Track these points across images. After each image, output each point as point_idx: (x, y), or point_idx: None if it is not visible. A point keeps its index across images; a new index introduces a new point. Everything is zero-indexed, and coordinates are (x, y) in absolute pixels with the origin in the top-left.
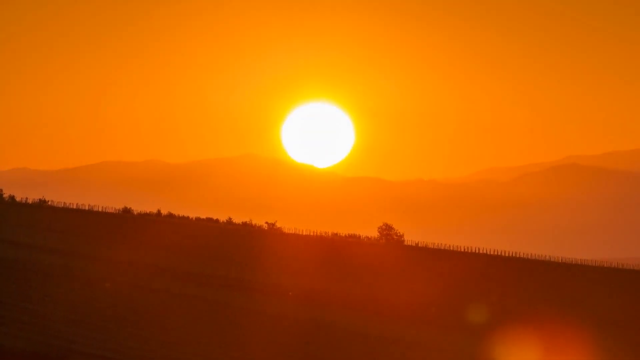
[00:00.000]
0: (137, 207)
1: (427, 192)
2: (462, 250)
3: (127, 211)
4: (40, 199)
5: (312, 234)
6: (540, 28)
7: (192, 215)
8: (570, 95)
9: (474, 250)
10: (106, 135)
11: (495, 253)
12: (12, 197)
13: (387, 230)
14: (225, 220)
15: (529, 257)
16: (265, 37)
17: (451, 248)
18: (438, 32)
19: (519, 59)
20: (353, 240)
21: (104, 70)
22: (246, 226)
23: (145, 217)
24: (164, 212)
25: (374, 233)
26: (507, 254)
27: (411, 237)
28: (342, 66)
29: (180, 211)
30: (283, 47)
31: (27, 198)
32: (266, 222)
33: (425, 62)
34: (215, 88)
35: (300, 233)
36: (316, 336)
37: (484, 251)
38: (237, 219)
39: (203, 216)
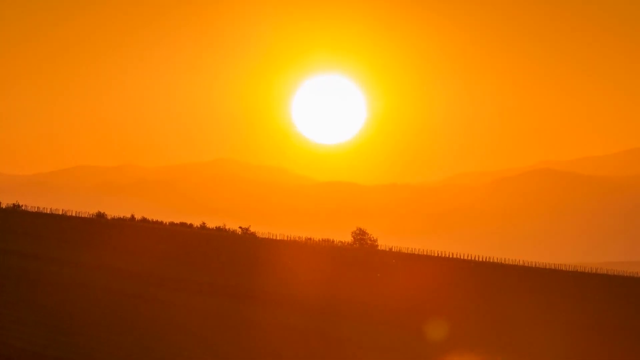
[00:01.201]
0: (111, 212)
1: (401, 197)
2: (436, 255)
3: (100, 216)
4: (14, 204)
5: (285, 238)
6: (514, 36)
7: (166, 220)
8: (545, 101)
9: (446, 255)
10: (80, 140)
11: (469, 258)
12: None
13: (360, 235)
14: (199, 225)
15: (503, 261)
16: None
17: (425, 253)
18: (418, 37)
19: (494, 66)
20: (326, 244)
21: (78, 77)
22: (220, 231)
23: (119, 221)
24: (137, 216)
25: (348, 238)
26: (481, 259)
27: (386, 241)
28: (303, 67)
29: (154, 216)
30: (259, 52)
31: (0, 203)
32: (240, 227)
33: (399, 67)
34: (188, 93)
35: (274, 238)
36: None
37: (458, 256)
38: (211, 224)
39: (177, 221)
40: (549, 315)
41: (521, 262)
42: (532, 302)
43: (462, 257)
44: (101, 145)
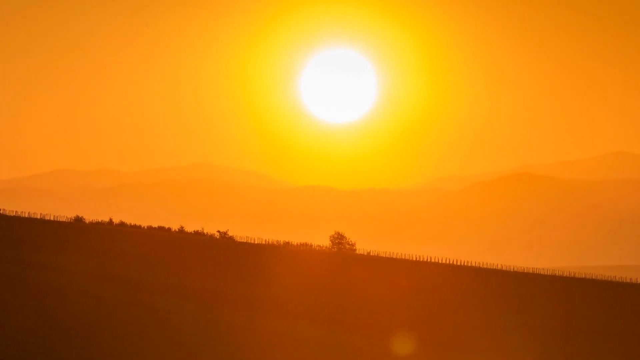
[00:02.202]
0: (90, 216)
1: (379, 202)
2: (413, 259)
3: (79, 220)
4: None
5: (264, 242)
6: (493, 42)
7: (144, 224)
8: (523, 106)
9: (425, 259)
10: (59, 144)
11: (447, 262)
12: None
13: (339, 239)
14: (177, 229)
15: (481, 265)
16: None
17: (403, 257)
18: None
19: (473, 71)
20: (305, 249)
21: (55, 81)
22: (198, 235)
23: (97, 225)
24: (115, 220)
25: (326, 242)
26: (458, 263)
27: (364, 245)
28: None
29: (132, 220)
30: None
31: None
32: (218, 231)
33: (381, 69)
34: (167, 98)
35: (252, 242)
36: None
37: (436, 260)
38: (189, 228)
39: (155, 225)
40: (523, 318)
41: (500, 266)
42: (507, 305)
43: (440, 261)
44: (80, 149)
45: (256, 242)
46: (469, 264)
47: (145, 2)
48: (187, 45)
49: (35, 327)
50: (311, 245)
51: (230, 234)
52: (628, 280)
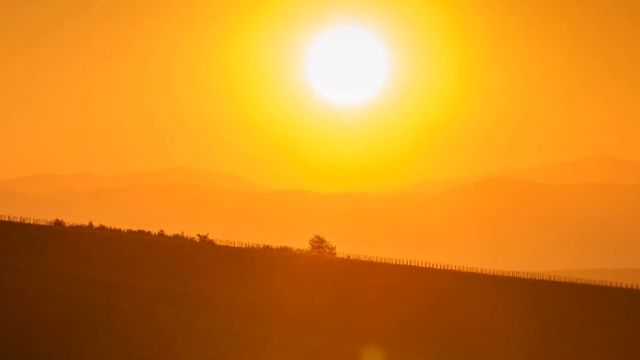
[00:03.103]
0: (69, 220)
1: (358, 205)
2: (393, 262)
3: (58, 223)
4: None
5: (243, 246)
6: (471, 44)
7: (124, 227)
8: (503, 110)
9: (405, 263)
10: (38, 148)
11: (427, 265)
12: None
13: (318, 242)
14: (157, 233)
15: (461, 269)
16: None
17: (383, 261)
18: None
19: (452, 73)
20: (286, 254)
21: (35, 85)
22: (178, 238)
23: (77, 229)
24: (95, 224)
25: (306, 245)
26: (437, 266)
27: (344, 249)
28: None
29: (112, 223)
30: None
31: None
32: (198, 235)
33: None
34: (146, 102)
35: (232, 245)
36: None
37: (416, 263)
38: (169, 232)
39: (135, 228)
40: (502, 322)
41: (479, 270)
42: (487, 308)
43: (420, 265)
44: (60, 153)
45: (236, 246)
46: (449, 268)
47: (123, 6)
48: (167, 46)
49: (14, 331)
50: (291, 249)
51: (210, 237)
52: (608, 284)
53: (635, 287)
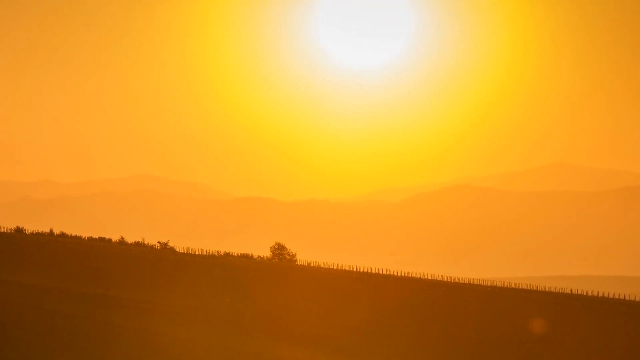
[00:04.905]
0: (30, 227)
1: (319, 213)
2: (354, 270)
3: (19, 231)
4: None
5: (204, 253)
6: (438, 55)
7: (85, 234)
8: (463, 117)
9: (365, 270)
10: None
11: (387, 273)
12: None
13: (279, 249)
14: (117, 240)
15: (422, 276)
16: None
17: (343, 268)
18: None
19: (410, 83)
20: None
21: None
22: (139, 246)
23: (37, 236)
24: (56, 231)
25: (267, 252)
26: (397, 273)
27: (305, 256)
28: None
29: (72, 231)
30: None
31: None
32: (159, 242)
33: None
34: (106, 109)
35: (193, 253)
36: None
37: (376, 271)
38: (130, 239)
39: (95, 235)
40: (457, 330)
41: (439, 277)
42: (441, 316)
43: (380, 272)
44: (20, 160)
45: (197, 253)
46: (409, 275)
47: (77, 14)
48: (128, 53)
49: None
50: (252, 256)
51: (171, 244)
52: (568, 291)
53: (596, 295)
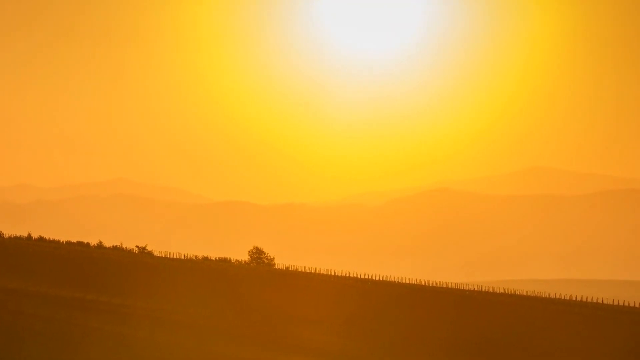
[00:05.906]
0: (7, 231)
1: (297, 217)
2: (332, 274)
3: None
4: None
5: (182, 257)
6: (413, 50)
7: (63, 239)
8: (442, 120)
9: (343, 274)
10: None
11: (365, 277)
12: None
13: (257, 253)
14: (95, 244)
15: (400, 280)
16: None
17: (322, 272)
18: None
19: (393, 87)
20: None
21: None
22: (117, 250)
23: (15, 241)
24: (34, 236)
25: (245, 256)
26: (375, 277)
27: (283, 260)
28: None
29: (50, 235)
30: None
31: None
32: (137, 246)
33: None
34: (84, 113)
35: (171, 257)
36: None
37: (354, 275)
38: (108, 243)
39: (74, 240)
40: (435, 334)
41: (418, 282)
42: (420, 320)
43: (358, 276)
44: None
45: (175, 257)
46: (388, 279)
47: (51, 15)
48: (105, 55)
49: None
50: (230, 260)
51: (149, 249)
52: (547, 295)
53: (574, 299)
